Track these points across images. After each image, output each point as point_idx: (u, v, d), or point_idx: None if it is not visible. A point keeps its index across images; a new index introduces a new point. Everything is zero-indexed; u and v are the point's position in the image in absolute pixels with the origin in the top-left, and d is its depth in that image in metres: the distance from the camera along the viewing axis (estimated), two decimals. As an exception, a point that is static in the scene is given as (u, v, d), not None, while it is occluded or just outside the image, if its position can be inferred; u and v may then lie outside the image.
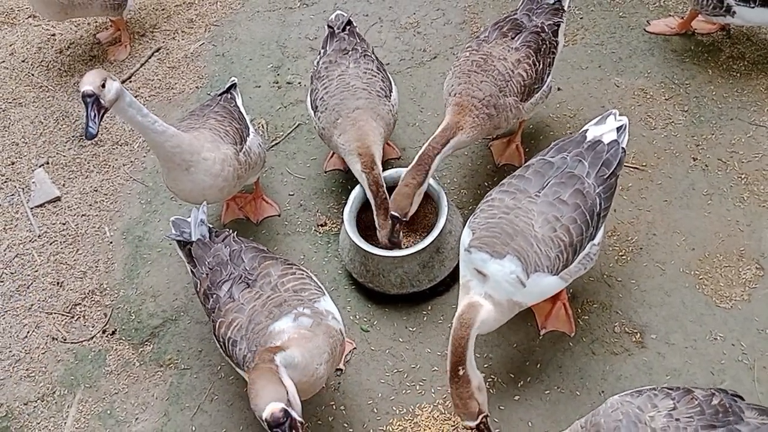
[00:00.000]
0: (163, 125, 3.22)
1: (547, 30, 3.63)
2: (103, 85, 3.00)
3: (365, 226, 3.77)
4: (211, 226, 3.24)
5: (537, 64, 3.55)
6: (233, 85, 3.94)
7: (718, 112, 4.10)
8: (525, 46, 3.54)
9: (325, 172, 4.16)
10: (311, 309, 2.82)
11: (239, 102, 3.90)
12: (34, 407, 3.46)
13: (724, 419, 2.40)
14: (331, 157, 4.18)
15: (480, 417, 2.83)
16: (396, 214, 3.36)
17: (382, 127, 3.60)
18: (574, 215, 2.93)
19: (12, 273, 3.95)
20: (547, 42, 3.62)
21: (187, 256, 3.20)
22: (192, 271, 3.15)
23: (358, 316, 3.59)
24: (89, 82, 2.99)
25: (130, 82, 4.76)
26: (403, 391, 3.32)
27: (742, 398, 2.56)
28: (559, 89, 4.33)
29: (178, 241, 3.23)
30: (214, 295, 2.97)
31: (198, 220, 3.21)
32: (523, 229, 2.90)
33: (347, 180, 4.10)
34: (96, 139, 4.47)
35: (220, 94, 3.85)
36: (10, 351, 3.65)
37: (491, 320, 2.91)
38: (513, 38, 3.57)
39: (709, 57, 4.37)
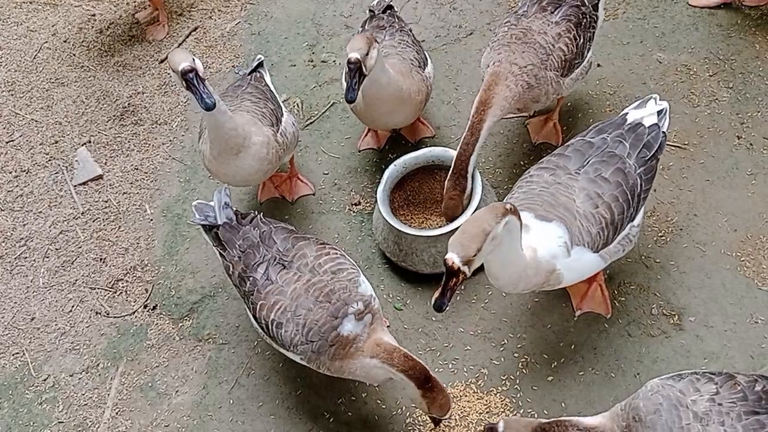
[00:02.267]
0: (224, 105, 3.23)
1: (587, 3, 3.55)
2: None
3: (398, 206, 3.78)
4: (235, 208, 3.24)
5: (578, 38, 3.47)
6: (260, 63, 3.91)
7: (765, 88, 3.96)
8: (565, 20, 3.48)
9: (359, 151, 4.17)
10: (362, 300, 2.90)
11: (268, 80, 3.88)
12: (79, 379, 3.59)
13: (767, 406, 2.37)
14: (365, 136, 4.18)
15: (467, 266, 2.50)
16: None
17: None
18: (615, 193, 2.88)
19: (57, 249, 4.08)
20: (588, 16, 3.55)
21: (214, 239, 3.18)
22: (222, 254, 3.14)
23: (391, 295, 3.62)
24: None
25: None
26: (436, 370, 3.34)
27: None
28: (599, 65, 4.23)
29: (203, 226, 3.23)
30: (251, 278, 2.99)
31: (222, 203, 3.18)
32: (565, 203, 2.86)
33: (381, 159, 4.10)
34: (136, 118, 4.60)
35: (249, 73, 3.83)
36: (56, 324, 3.79)
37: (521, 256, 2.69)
38: (552, 12, 3.51)
39: (756, 31, 4.21)
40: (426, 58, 3.82)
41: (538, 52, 3.39)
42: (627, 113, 3.18)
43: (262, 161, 3.40)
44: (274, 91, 3.82)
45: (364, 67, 3.14)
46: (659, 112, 3.14)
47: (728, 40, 4.20)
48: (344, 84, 3.62)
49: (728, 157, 3.77)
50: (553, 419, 2.63)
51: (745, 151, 3.77)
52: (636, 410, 2.45)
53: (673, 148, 3.84)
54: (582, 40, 3.51)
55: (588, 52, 3.62)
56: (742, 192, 3.63)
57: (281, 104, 3.76)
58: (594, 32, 3.64)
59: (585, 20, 3.53)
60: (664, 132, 3.10)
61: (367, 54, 3.13)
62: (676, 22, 4.33)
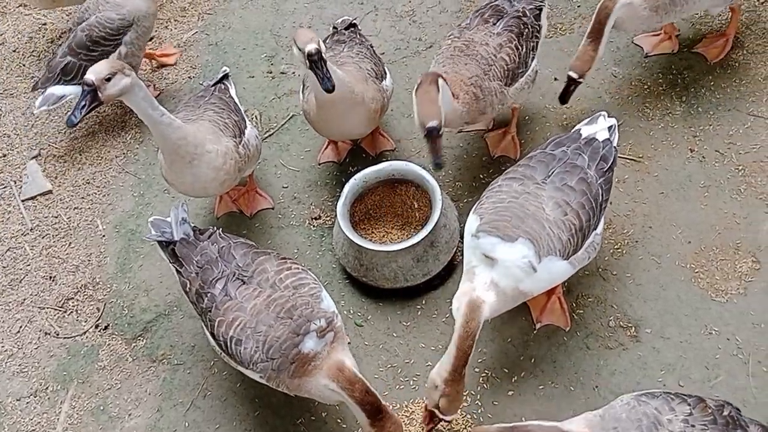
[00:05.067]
0: (170, 117, 3.18)
1: (528, 14, 3.63)
2: (109, 79, 2.93)
3: (359, 220, 3.75)
4: (193, 224, 3.18)
5: (520, 48, 3.54)
6: (226, 75, 3.89)
7: (716, 102, 4.05)
8: (507, 30, 3.54)
9: (319, 164, 4.13)
10: (324, 317, 2.86)
11: (233, 92, 3.86)
12: (27, 403, 3.45)
13: (733, 431, 2.41)
14: (325, 148, 4.14)
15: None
16: (433, 124, 3.09)
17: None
18: (582, 201, 2.98)
19: (4, 267, 3.92)
20: (530, 26, 3.62)
21: (171, 256, 3.12)
22: (178, 270, 3.08)
23: (351, 311, 3.58)
24: (95, 71, 2.93)
25: (122, 72, 4.70)
26: (397, 387, 3.31)
27: (740, 411, 2.58)
28: (555, 79, 4.28)
29: (160, 242, 3.16)
30: (209, 294, 2.92)
31: (179, 219, 3.13)
32: (534, 213, 2.92)
33: (341, 172, 4.06)
34: (89, 130, 4.47)
35: (213, 85, 3.81)
36: (2, 346, 3.64)
37: (491, 313, 2.91)
38: (494, 24, 3.58)
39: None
40: (385, 72, 3.81)
41: (480, 63, 3.44)
42: (580, 129, 3.28)
43: (218, 171, 3.35)
44: (238, 103, 3.78)
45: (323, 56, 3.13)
46: (609, 128, 3.26)
47: (681, 54, 4.29)
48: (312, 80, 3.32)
49: (681, 169, 3.84)
50: (529, 423, 2.57)
51: (697, 164, 3.85)
52: (617, 421, 2.44)
53: (627, 161, 3.90)
54: (524, 50, 3.57)
55: (532, 61, 3.68)
56: (696, 204, 3.70)
57: (245, 117, 3.72)
58: (537, 42, 3.71)
59: (527, 30, 3.60)
60: (615, 147, 3.23)
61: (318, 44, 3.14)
62: (630, 37, 4.41)
